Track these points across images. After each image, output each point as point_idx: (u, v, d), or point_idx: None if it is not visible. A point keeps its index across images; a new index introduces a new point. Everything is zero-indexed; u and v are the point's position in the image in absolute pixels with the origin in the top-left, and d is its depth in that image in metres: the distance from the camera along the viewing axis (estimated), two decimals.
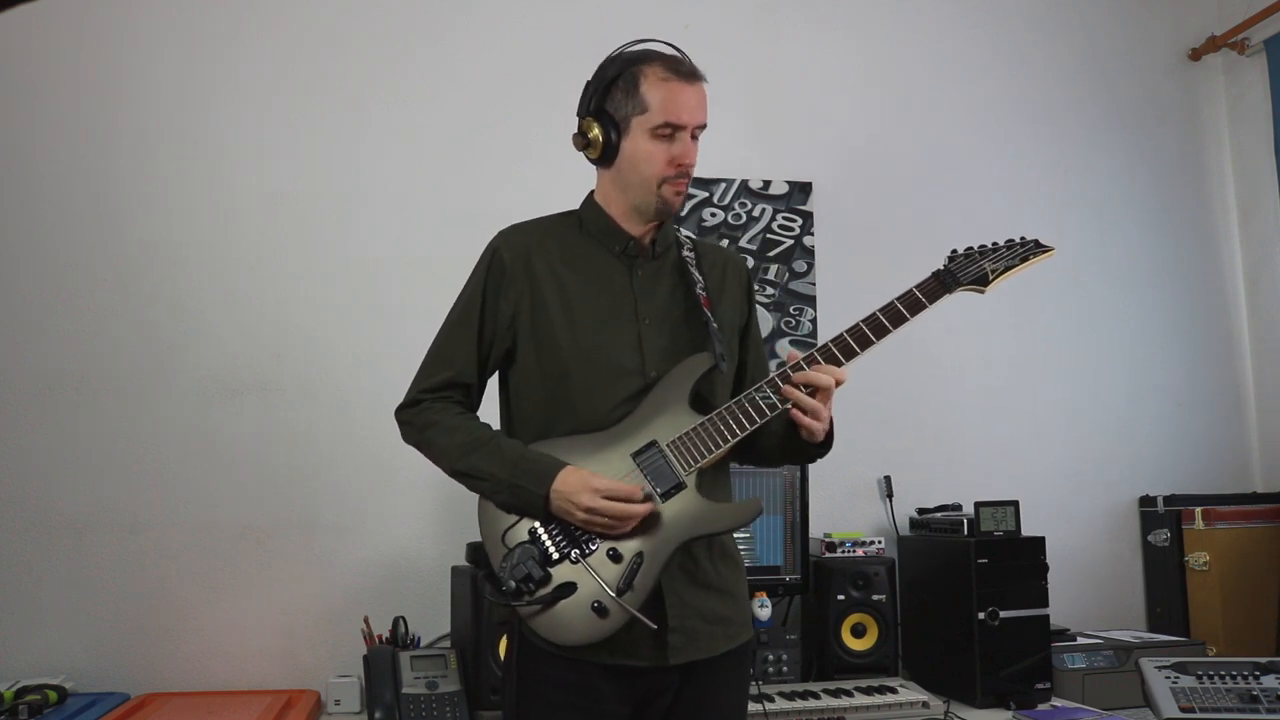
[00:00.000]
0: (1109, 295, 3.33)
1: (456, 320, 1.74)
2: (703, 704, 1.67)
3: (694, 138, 1.68)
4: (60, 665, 2.53)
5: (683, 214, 3.03)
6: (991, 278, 1.70)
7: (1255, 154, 3.38)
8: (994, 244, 1.75)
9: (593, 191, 1.78)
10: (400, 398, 1.75)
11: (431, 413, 1.69)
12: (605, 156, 1.69)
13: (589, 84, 1.72)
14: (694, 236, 1.85)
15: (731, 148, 3.06)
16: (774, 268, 3.11)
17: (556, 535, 1.60)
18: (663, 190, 1.67)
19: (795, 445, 1.70)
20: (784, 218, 3.13)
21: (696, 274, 1.74)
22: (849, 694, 2.50)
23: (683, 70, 1.66)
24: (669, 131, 1.64)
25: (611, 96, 1.67)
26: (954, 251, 1.73)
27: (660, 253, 1.76)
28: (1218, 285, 3.44)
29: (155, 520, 2.65)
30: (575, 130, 1.72)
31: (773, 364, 2.93)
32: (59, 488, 2.62)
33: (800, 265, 3.12)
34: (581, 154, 1.74)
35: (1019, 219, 3.26)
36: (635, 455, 1.61)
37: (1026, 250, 1.74)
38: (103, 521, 2.63)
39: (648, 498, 1.59)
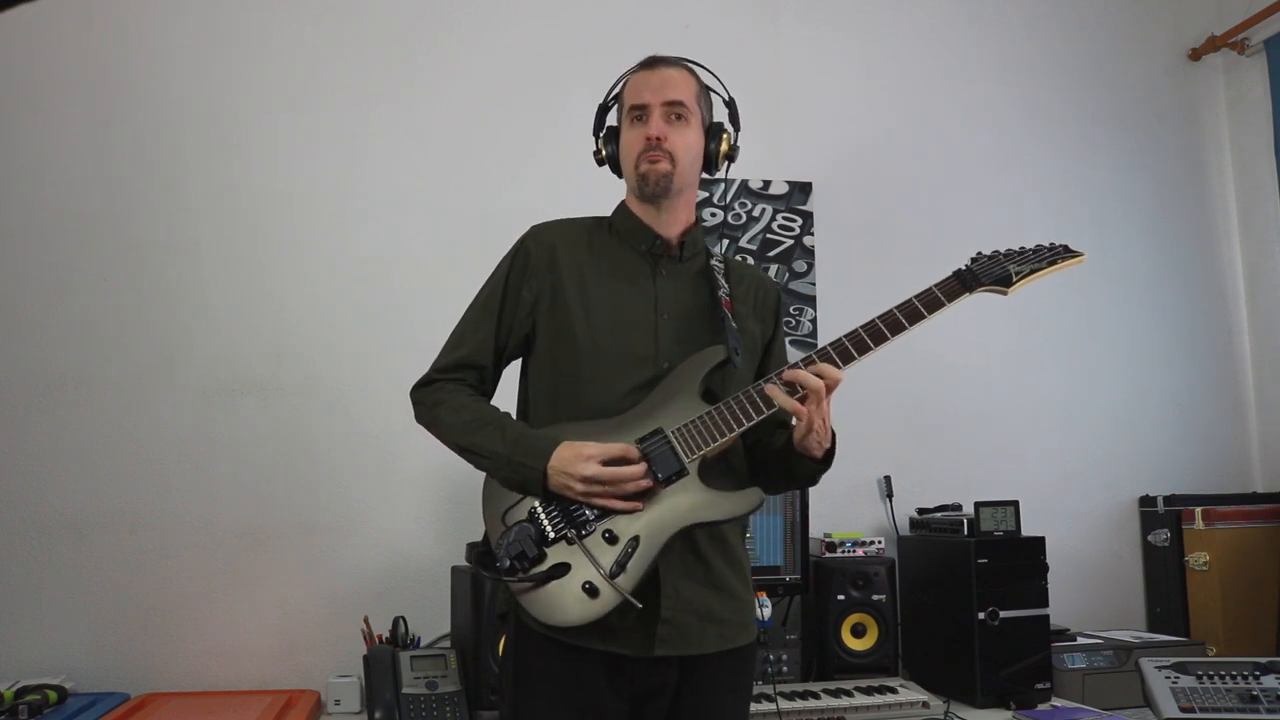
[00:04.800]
0: (1109, 295, 3.33)
1: (479, 305, 1.78)
2: (703, 707, 1.66)
3: (678, 118, 1.72)
4: (60, 665, 2.53)
5: None
6: (1015, 279, 1.68)
7: (1255, 154, 3.38)
8: (1021, 248, 1.73)
9: (624, 200, 1.83)
10: (402, 397, 1.77)
11: (442, 392, 1.73)
12: (614, 164, 1.80)
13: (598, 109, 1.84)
14: (726, 256, 1.87)
15: None
16: (774, 268, 3.10)
17: (555, 515, 1.61)
18: (640, 167, 1.71)
19: (793, 458, 1.68)
20: (784, 218, 3.13)
21: (721, 280, 1.75)
22: (849, 694, 2.50)
23: (647, 61, 1.77)
24: (638, 114, 1.73)
25: (610, 113, 1.82)
26: (978, 253, 1.71)
27: (688, 258, 1.78)
28: (1218, 285, 3.44)
29: (155, 520, 2.65)
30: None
31: None
32: (59, 488, 2.62)
33: (800, 265, 3.12)
34: (599, 167, 1.84)
35: (1019, 218, 3.27)
36: (640, 442, 1.62)
37: (1055, 254, 1.72)
38: (103, 521, 2.63)
39: (645, 465, 1.58)
